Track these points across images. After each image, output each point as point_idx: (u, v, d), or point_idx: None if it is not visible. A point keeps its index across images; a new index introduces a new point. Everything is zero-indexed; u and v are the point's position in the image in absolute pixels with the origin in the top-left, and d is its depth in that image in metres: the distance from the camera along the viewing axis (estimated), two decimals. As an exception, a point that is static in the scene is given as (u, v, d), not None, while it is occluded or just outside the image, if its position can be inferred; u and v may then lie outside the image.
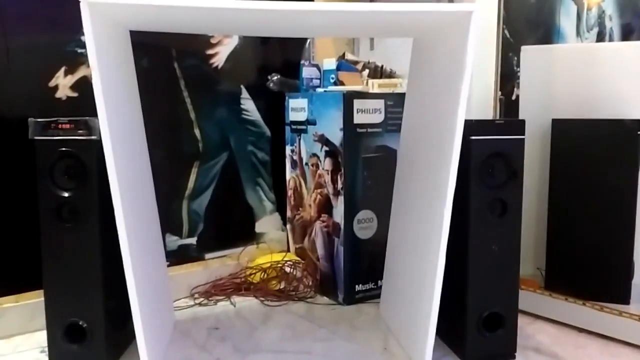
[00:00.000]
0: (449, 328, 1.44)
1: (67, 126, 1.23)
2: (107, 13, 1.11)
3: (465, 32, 1.16)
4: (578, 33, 1.95)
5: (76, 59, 1.56)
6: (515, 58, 1.77)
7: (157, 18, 1.21)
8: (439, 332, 1.49)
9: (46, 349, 1.29)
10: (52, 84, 1.54)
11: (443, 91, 1.27)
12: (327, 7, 1.14)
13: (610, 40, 1.93)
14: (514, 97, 1.77)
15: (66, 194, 1.24)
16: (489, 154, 1.30)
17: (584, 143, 1.56)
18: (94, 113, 1.25)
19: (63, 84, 1.55)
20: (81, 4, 1.01)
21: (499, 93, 1.75)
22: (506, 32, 1.77)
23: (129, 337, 1.45)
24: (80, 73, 1.57)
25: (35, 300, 1.47)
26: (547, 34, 1.94)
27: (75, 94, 1.57)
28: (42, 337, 1.34)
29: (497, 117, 1.72)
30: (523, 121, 1.33)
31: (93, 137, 1.23)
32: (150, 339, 1.19)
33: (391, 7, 1.14)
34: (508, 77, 1.76)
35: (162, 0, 1.05)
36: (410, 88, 1.55)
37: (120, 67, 1.26)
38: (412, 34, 1.50)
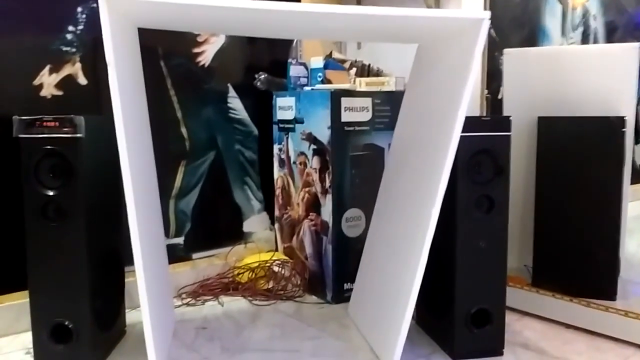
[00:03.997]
0: (437, 325, 1.44)
1: (52, 124, 1.22)
2: (121, 9, 1.11)
3: (474, 39, 1.17)
4: (563, 32, 1.96)
5: (61, 57, 1.55)
6: (501, 57, 1.78)
7: (169, 15, 1.20)
8: (427, 328, 1.50)
9: (31, 350, 1.28)
10: (36, 82, 1.52)
11: (445, 94, 1.28)
12: (343, 10, 1.12)
13: (595, 39, 1.96)
14: (500, 96, 1.78)
15: (51, 193, 1.23)
16: (476, 151, 1.31)
17: (570, 140, 1.58)
18: (79, 111, 1.25)
19: (48, 82, 1.53)
20: (99, 0, 1.02)
21: (486, 91, 1.76)
22: (492, 31, 1.78)
23: (116, 337, 1.45)
24: (65, 71, 1.56)
25: (20, 301, 1.45)
26: (533, 33, 1.96)
27: (60, 93, 1.55)
28: (27, 338, 1.32)
29: (484, 115, 1.73)
30: (509, 118, 1.34)
31: (78, 135, 1.22)
32: (158, 340, 1.17)
33: (402, 12, 1.13)
34: (494, 75, 1.77)
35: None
36: (410, 90, 1.55)
37: (131, 64, 1.25)
38: (419, 40, 1.49)
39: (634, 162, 1.75)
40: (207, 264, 1.89)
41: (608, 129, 1.53)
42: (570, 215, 1.58)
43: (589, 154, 1.56)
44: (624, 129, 1.53)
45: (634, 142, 1.72)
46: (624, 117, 1.53)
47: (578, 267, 1.58)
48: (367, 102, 1.73)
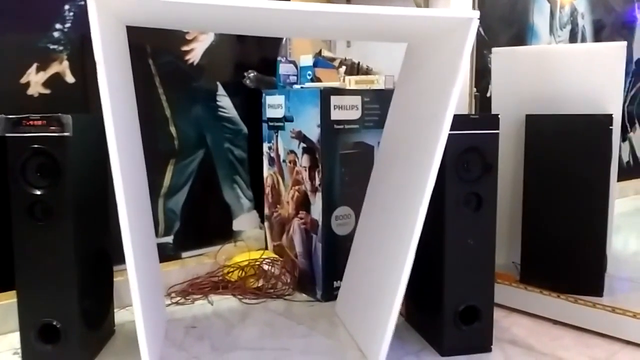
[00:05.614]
0: (426, 322, 1.45)
1: (39, 123, 1.21)
2: (110, 7, 1.10)
3: (463, 38, 1.17)
4: (551, 31, 1.98)
5: (48, 55, 1.54)
6: (490, 55, 1.79)
7: (157, 13, 1.19)
8: (416, 325, 1.50)
9: (19, 351, 1.27)
10: (23, 80, 1.51)
11: (434, 93, 1.28)
12: (332, 9, 1.12)
13: (583, 37, 1.97)
14: (488, 94, 1.79)
15: (38, 192, 1.22)
16: (465, 149, 1.32)
17: (558, 138, 1.59)
18: (66, 110, 1.24)
19: (35, 80, 1.52)
20: None
21: (474, 89, 1.77)
22: (480, 29, 1.79)
23: (105, 337, 1.44)
24: (53, 70, 1.55)
25: (7, 302, 1.44)
26: (521, 31, 1.97)
27: (47, 91, 1.54)
28: (15, 338, 1.32)
29: (473, 113, 1.74)
30: (497, 116, 1.35)
31: (66, 134, 1.21)
32: (150, 340, 1.16)
33: (392, 11, 1.13)
34: (483, 74, 1.78)
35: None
36: (399, 89, 1.55)
37: (120, 62, 1.24)
38: (408, 39, 1.49)
39: (620, 159, 1.77)
40: (197, 262, 1.88)
41: (595, 127, 1.55)
42: (558, 213, 1.60)
43: (576, 152, 1.57)
44: (611, 127, 1.54)
45: (621, 139, 1.74)
46: (611, 114, 1.54)
47: (565, 264, 1.59)
48: (357, 100, 1.74)
